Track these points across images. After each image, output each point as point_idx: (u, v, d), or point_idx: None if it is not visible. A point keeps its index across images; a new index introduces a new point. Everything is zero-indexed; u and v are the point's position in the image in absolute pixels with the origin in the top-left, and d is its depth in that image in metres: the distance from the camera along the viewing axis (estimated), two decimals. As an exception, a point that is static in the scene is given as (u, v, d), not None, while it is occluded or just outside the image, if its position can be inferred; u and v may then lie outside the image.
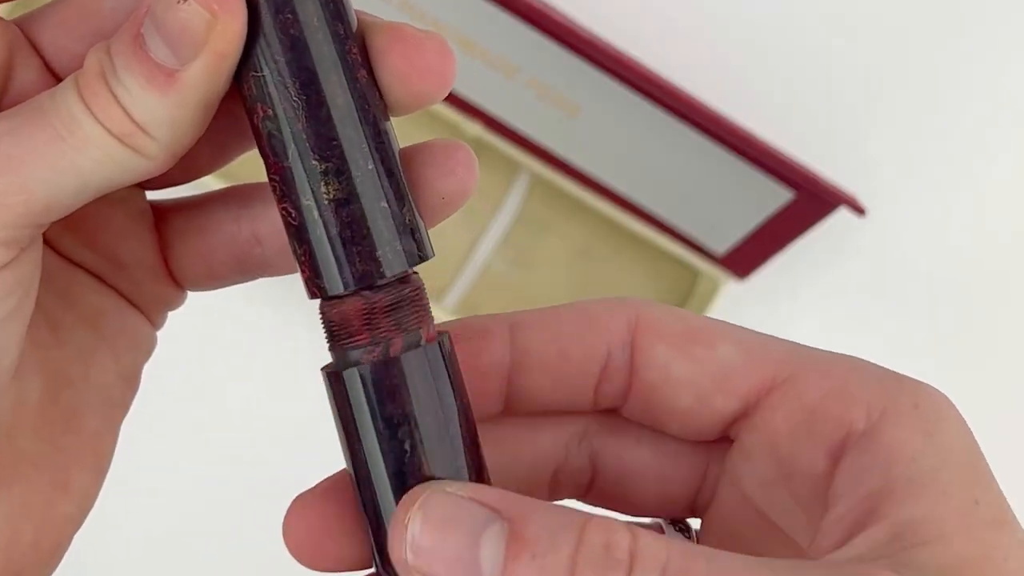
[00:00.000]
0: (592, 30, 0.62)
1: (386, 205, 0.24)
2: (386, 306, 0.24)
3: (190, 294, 0.29)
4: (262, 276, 0.28)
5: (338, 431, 0.25)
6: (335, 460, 0.26)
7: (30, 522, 0.25)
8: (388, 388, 0.24)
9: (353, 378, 0.24)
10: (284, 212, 0.24)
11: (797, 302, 0.70)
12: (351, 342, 0.24)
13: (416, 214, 0.24)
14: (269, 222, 0.27)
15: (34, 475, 0.25)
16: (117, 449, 0.27)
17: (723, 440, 0.27)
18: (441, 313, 0.65)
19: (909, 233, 0.71)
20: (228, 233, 0.27)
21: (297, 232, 0.24)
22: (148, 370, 0.29)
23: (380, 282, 0.24)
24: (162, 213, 0.28)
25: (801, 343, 0.27)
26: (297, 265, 0.24)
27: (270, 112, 0.23)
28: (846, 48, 0.69)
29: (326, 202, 0.23)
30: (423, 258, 0.24)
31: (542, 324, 0.27)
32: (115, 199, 0.27)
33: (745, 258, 0.66)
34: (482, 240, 0.68)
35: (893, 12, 0.70)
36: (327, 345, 0.25)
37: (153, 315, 0.28)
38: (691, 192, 0.65)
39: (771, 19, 0.69)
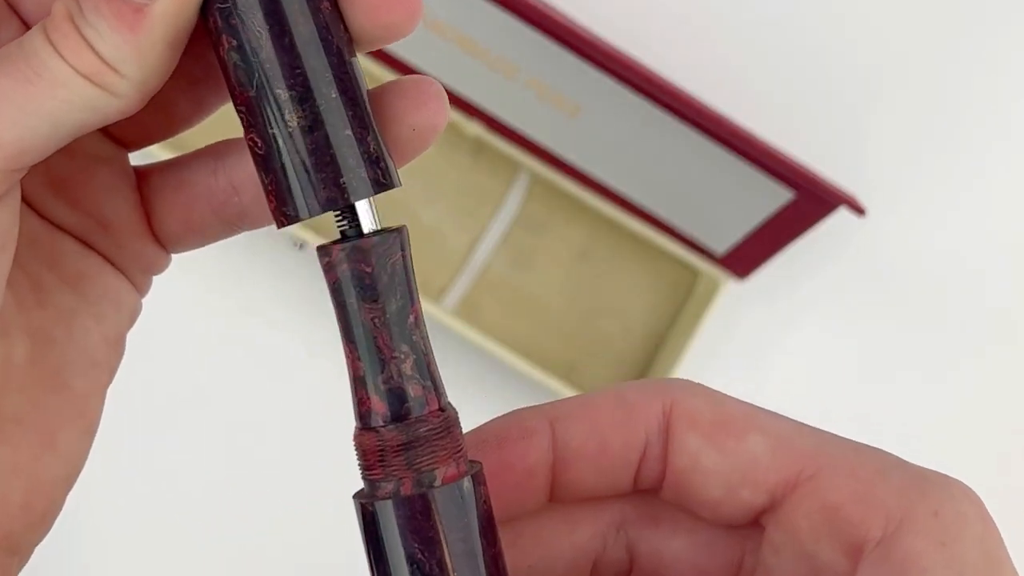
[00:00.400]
0: (592, 30, 0.62)
1: (350, 133, 0.24)
2: (398, 445, 0.24)
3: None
4: (241, 228, 0.28)
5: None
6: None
7: (19, 482, 0.25)
8: (396, 526, 0.24)
9: (362, 510, 0.25)
10: (251, 143, 0.24)
11: (797, 302, 0.70)
12: (369, 475, 0.25)
13: (382, 145, 0.25)
14: (244, 169, 0.27)
15: (20, 435, 0.25)
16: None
17: (757, 526, 0.27)
18: (441, 313, 0.65)
19: (909, 233, 0.71)
20: (206, 185, 0.27)
21: (263, 161, 0.24)
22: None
23: (410, 417, 0.24)
24: (142, 174, 0.28)
25: (832, 433, 0.27)
26: (265, 197, 0.24)
27: (234, 43, 0.23)
28: (846, 48, 0.70)
29: (290, 130, 0.24)
30: (388, 186, 0.24)
31: (581, 416, 0.27)
32: (98, 158, 0.27)
33: (745, 258, 0.66)
34: (482, 240, 0.68)
35: (893, 12, 0.70)
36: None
37: (136, 278, 0.28)
38: (691, 192, 0.65)
39: (771, 19, 0.69)
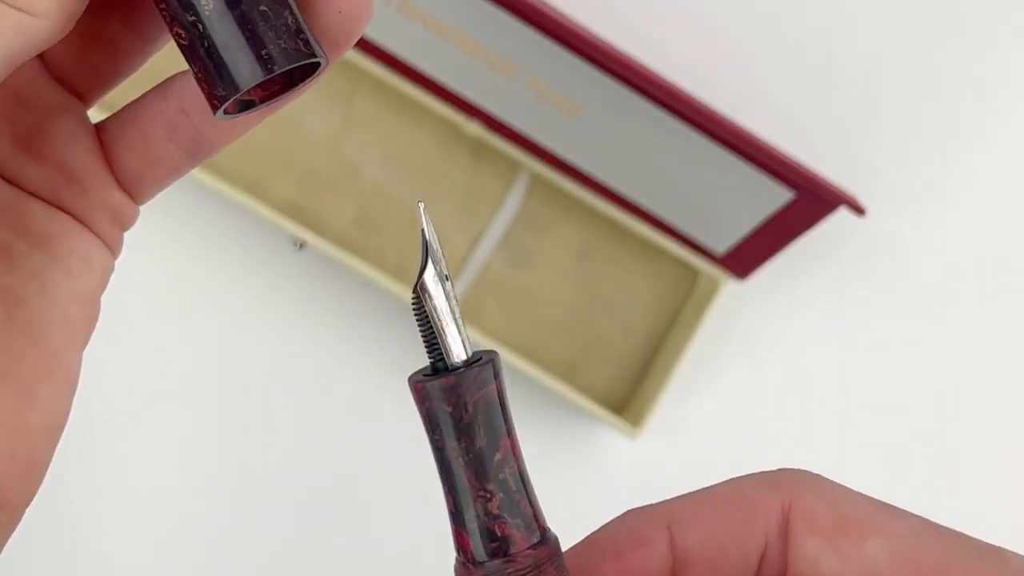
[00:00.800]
0: (592, 30, 0.62)
1: (266, 9, 0.24)
2: None
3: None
4: (198, 155, 0.29)
5: None
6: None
7: (2, 434, 0.26)
8: None
9: None
10: (176, 36, 0.25)
11: (797, 302, 0.70)
12: None
13: (301, 20, 0.25)
14: (190, 89, 0.28)
15: None
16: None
17: None
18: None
19: (909, 233, 0.71)
20: (159, 111, 0.28)
21: (189, 51, 0.25)
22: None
23: (497, 557, 0.25)
24: (99, 126, 0.29)
25: (954, 532, 0.26)
26: (199, 87, 0.25)
27: None
28: (846, 48, 0.70)
29: (207, 14, 0.24)
30: (310, 56, 0.25)
31: (698, 518, 0.27)
32: (56, 108, 0.28)
33: (745, 258, 0.66)
34: (482, 240, 0.68)
35: (894, 12, 0.70)
36: None
37: (105, 232, 0.29)
38: (691, 192, 0.65)
39: (771, 19, 0.69)
